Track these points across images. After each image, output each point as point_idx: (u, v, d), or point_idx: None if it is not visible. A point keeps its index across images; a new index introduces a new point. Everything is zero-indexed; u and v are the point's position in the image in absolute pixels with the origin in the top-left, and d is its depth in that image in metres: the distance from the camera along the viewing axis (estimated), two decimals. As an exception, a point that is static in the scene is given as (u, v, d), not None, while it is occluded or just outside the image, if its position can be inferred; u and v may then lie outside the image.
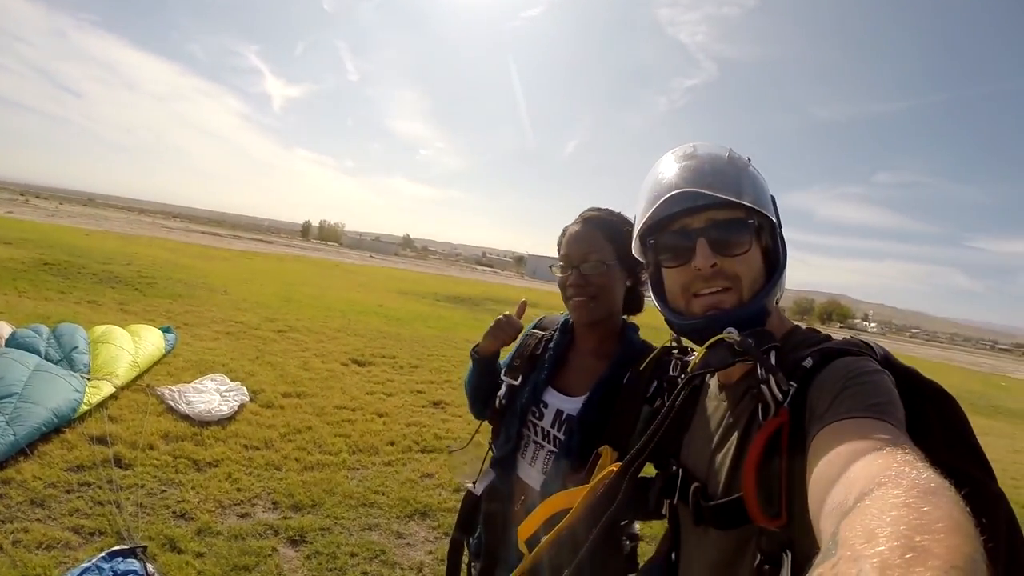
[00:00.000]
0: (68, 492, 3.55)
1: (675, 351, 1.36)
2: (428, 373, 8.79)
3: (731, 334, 0.98)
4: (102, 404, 4.84)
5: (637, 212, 1.12)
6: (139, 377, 5.78)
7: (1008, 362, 73.52)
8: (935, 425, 0.87)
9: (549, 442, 1.65)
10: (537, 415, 1.68)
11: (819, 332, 1.06)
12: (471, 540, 1.82)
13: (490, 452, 1.82)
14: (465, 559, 1.83)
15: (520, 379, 1.75)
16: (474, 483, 1.76)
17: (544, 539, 1.18)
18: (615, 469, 1.12)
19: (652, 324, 1.66)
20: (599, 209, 1.72)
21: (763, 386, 0.92)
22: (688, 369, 1.03)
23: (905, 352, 49.07)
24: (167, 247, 23.88)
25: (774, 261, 1.05)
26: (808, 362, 0.91)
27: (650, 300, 1.64)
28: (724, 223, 1.01)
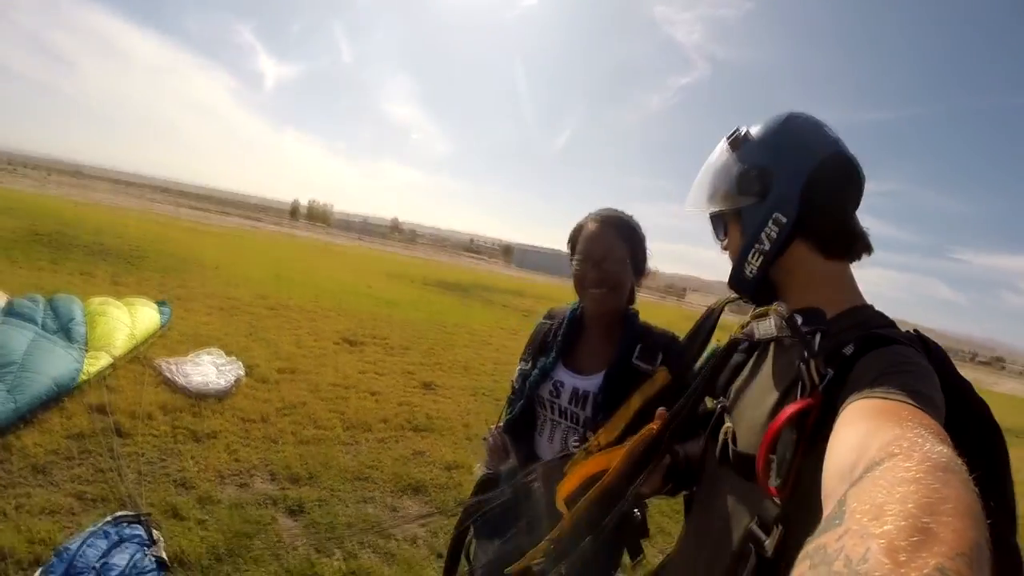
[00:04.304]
0: (69, 459, 3.59)
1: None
2: (418, 355, 8.87)
3: (779, 307, 1.07)
4: (100, 375, 4.89)
5: None
6: (136, 349, 5.82)
7: (988, 375, 73.72)
8: (971, 451, 0.79)
9: (566, 418, 1.78)
10: (554, 394, 1.81)
11: (885, 316, 1.06)
12: (476, 521, 1.83)
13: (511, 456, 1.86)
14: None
15: (531, 363, 1.90)
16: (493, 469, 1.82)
17: (585, 497, 1.20)
18: (654, 428, 1.18)
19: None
20: (614, 211, 1.86)
21: (802, 365, 0.95)
22: (735, 332, 1.16)
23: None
24: (157, 221, 23.70)
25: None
26: (849, 349, 0.92)
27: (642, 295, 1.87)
28: (712, 221, 1.26)
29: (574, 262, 1.84)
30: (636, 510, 1.64)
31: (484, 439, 1.87)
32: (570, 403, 1.78)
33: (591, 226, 1.83)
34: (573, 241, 1.88)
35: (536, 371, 1.85)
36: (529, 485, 1.58)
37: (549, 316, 2.02)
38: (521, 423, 1.87)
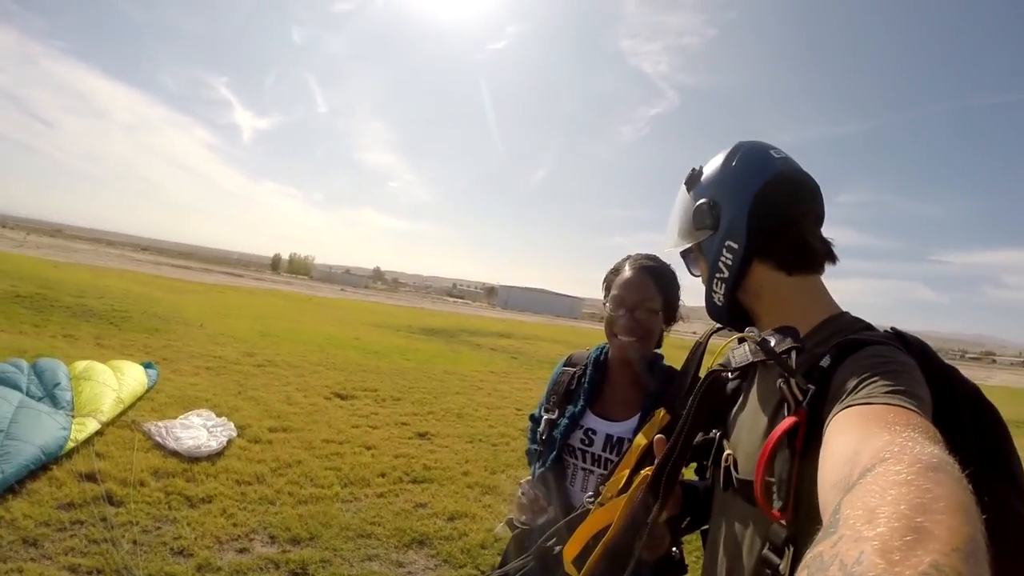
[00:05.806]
0: (61, 531, 3.46)
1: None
2: (411, 405, 8.74)
3: (750, 332, 1.10)
4: (88, 441, 4.75)
5: None
6: (123, 413, 5.68)
7: (979, 370, 74.03)
8: (969, 434, 0.85)
9: (600, 465, 1.76)
10: (586, 443, 1.79)
11: (860, 320, 1.07)
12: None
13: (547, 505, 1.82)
14: None
15: (557, 413, 1.86)
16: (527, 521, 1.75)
17: (593, 555, 1.18)
18: (649, 475, 1.17)
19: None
20: (651, 258, 1.87)
21: (783, 385, 0.94)
22: (711, 364, 1.20)
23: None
24: (139, 280, 23.50)
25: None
26: (826, 361, 0.92)
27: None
28: (683, 258, 1.35)
29: (607, 305, 1.84)
30: (675, 548, 1.60)
31: (519, 495, 1.79)
32: (604, 450, 1.75)
33: (628, 272, 1.83)
34: (608, 283, 1.88)
35: (565, 420, 1.82)
36: (551, 549, 1.53)
37: (570, 363, 1.99)
38: (552, 474, 1.82)
